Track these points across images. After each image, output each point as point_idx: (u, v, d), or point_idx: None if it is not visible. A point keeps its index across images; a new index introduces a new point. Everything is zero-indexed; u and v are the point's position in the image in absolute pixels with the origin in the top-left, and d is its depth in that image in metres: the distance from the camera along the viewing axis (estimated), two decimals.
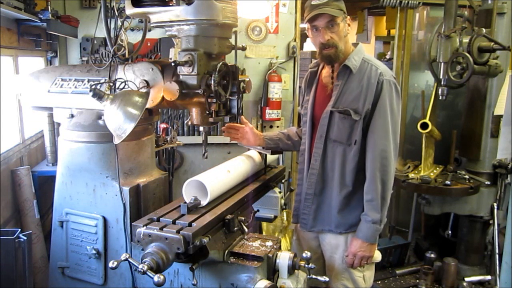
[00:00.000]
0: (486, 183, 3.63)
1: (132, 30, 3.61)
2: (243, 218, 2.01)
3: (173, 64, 1.86)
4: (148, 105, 1.94)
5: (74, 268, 2.25)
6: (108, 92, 1.98)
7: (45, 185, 3.26)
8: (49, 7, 2.92)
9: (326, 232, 2.30)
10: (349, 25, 2.16)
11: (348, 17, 2.16)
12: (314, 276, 1.99)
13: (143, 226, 1.78)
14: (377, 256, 2.30)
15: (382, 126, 2.11)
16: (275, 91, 3.91)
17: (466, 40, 3.20)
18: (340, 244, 2.26)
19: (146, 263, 1.61)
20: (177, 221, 1.82)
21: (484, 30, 3.14)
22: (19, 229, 2.19)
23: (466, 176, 3.62)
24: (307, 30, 2.20)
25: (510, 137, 2.73)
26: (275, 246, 1.96)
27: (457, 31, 3.19)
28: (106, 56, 2.07)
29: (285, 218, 3.77)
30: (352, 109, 2.12)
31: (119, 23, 2.08)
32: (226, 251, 1.86)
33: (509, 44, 3.27)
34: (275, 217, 2.63)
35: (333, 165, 2.21)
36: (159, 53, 3.86)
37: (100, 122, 2.12)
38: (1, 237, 2.07)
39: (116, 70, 2.08)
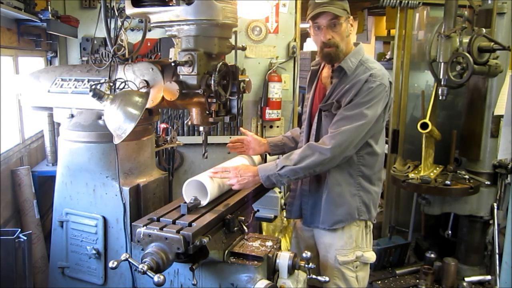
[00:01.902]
0: (486, 183, 3.62)
1: (132, 30, 3.61)
2: (243, 218, 2.01)
3: (173, 64, 1.86)
4: (148, 105, 1.94)
5: (74, 268, 2.25)
6: (108, 92, 1.99)
7: (45, 185, 3.26)
8: (49, 7, 2.91)
9: (319, 229, 2.31)
10: (351, 25, 2.17)
11: (351, 17, 2.16)
12: (314, 276, 1.99)
13: (143, 226, 1.78)
14: (371, 256, 2.30)
15: (358, 115, 2.04)
16: (275, 91, 3.90)
17: (466, 40, 3.20)
18: (333, 243, 2.26)
19: (146, 263, 1.61)
20: (177, 221, 1.82)
21: (484, 30, 3.13)
22: (19, 229, 2.19)
23: (466, 176, 3.62)
24: (309, 28, 2.20)
25: (511, 137, 2.73)
26: (275, 246, 1.96)
27: (457, 31, 3.19)
28: (106, 56, 2.07)
29: (285, 218, 3.77)
30: (336, 101, 2.12)
31: (119, 23, 2.08)
32: (226, 251, 1.86)
33: (509, 44, 3.27)
34: (275, 217, 2.63)
35: None
36: (159, 53, 3.85)
37: (100, 122, 2.13)
38: (1, 237, 2.07)
39: (116, 70, 2.08)
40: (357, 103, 2.08)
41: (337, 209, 2.22)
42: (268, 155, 2.58)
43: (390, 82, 2.16)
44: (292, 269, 1.94)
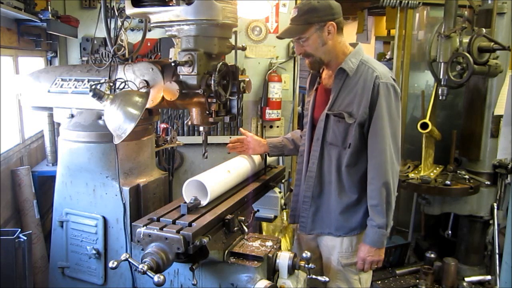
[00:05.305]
0: (486, 183, 3.62)
1: (132, 30, 3.61)
2: (243, 218, 2.01)
3: (173, 64, 1.86)
4: (148, 105, 1.94)
5: (74, 268, 2.25)
6: (108, 92, 1.98)
7: (45, 185, 3.26)
8: (49, 7, 2.91)
9: (325, 235, 2.29)
10: (329, 32, 2.07)
11: (330, 22, 2.06)
12: (314, 276, 1.99)
13: (143, 226, 1.78)
14: None
15: (380, 130, 2.08)
16: (275, 91, 3.91)
17: (466, 40, 3.20)
18: (336, 245, 2.25)
19: (146, 263, 1.61)
20: (177, 221, 1.82)
21: (484, 30, 3.14)
22: (19, 229, 2.19)
23: (466, 176, 3.62)
24: None
25: (510, 137, 2.73)
26: (275, 246, 1.96)
27: (457, 31, 3.19)
28: (106, 56, 2.07)
29: (285, 218, 3.77)
30: (346, 112, 2.10)
31: (119, 23, 2.08)
32: (226, 251, 1.87)
33: (509, 44, 3.27)
34: (275, 217, 2.63)
35: (330, 168, 2.20)
36: (159, 53, 3.86)
37: (100, 122, 2.13)
38: (1, 237, 2.06)
39: (116, 70, 2.08)
40: (378, 113, 2.07)
41: (352, 217, 2.21)
42: (267, 156, 2.58)
43: (394, 79, 2.14)
44: (292, 269, 1.94)
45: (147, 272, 1.59)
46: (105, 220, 2.15)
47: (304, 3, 2.10)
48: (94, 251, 2.14)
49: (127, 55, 2.11)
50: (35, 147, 3.36)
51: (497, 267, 3.42)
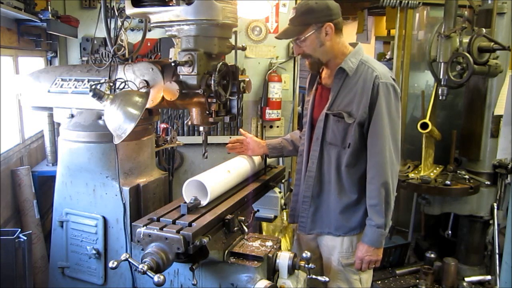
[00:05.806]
0: (486, 183, 3.63)
1: (132, 30, 3.61)
2: (243, 218, 2.01)
3: (173, 64, 1.86)
4: (148, 105, 1.94)
5: (74, 268, 2.25)
6: (108, 92, 1.98)
7: (45, 185, 3.26)
8: (49, 7, 2.91)
9: (325, 235, 2.29)
10: (327, 34, 2.07)
11: (328, 24, 2.05)
12: (314, 276, 1.99)
13: (143, 226, 1.78)
14: None
15: (380, 130, 2.07)
16: (275, 91, 3.91)
17: (466, 40, 3.20)
18: (337, 245, 2.25)
19: (146, 263, 1.61)
20: (177, 221, 1.82)
21: (484, 30, 3.14)
22: (19, 229, 2.19)
23: (466, 176, 3.62)
24: None
25: (510, 137, 2.73)
26: (275, 246, 1.96)
27: (457, 31, 3.20)
28: (106, 56, 2.07)
29: (285, 218, 3.77)
30: (345, 112, 2.10)
31: (119, 23, 2.08)
32: (226, 251, 1.87)
33: (509, 44, 3.28)
34: (275, 217, 2.63)
35: (329, 167, 2.20)
36: (159, 53, 3.86)
37: (100, 122, 2.13)
38: (1, 237, 2.06)
39: (116, 70, 2.08)
40: (378, 113, 2.06)
41: (352, 216, 2.21)
42: (267, 157, 2.58)
43: (394, 79, 2.14)
44: (292, 269, 1.94)
45: (147, 272, 1.59)
46: (105, 220, 2.15)
47: (301, 4, 2.10)
48: (94, 251, 2.14)
49: (127, 55, 2.11)
50: (35, 147, 3.36)
51: (497, 267, 3.42)
